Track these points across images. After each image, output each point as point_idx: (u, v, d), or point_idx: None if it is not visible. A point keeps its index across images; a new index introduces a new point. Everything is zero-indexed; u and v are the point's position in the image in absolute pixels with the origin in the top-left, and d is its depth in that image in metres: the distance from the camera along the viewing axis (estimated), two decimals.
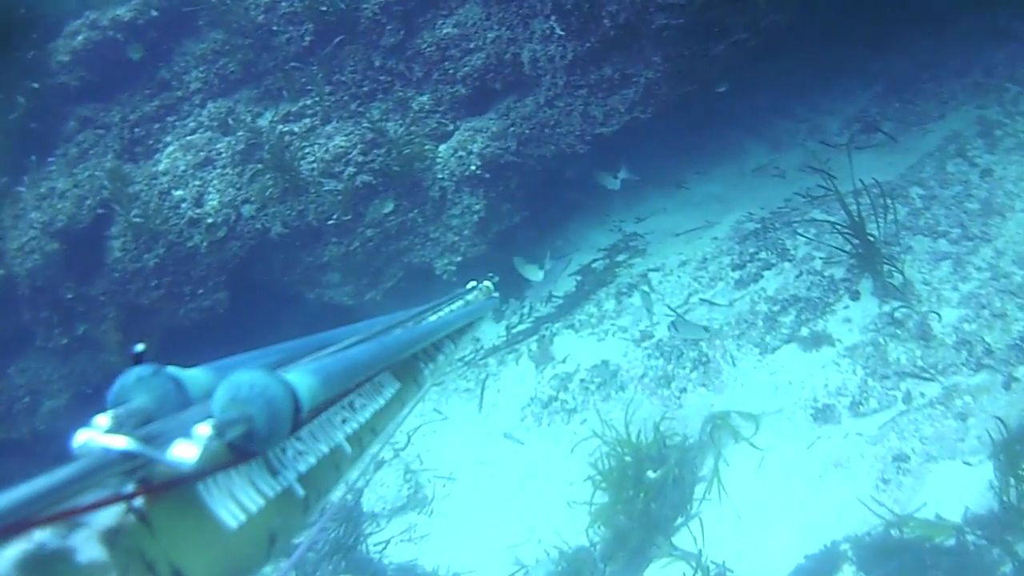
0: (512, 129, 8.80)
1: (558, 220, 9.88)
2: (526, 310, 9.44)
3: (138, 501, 0.84)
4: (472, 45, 8.83)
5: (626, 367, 7.92)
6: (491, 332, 9.20)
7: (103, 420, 0.90)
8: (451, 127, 9.24)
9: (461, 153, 8.95)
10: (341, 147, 8.87)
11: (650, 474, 6.55)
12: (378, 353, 1.49)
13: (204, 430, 0.89)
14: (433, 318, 2.04)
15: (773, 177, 9.02)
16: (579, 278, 9.35)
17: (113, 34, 9.75)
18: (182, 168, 9.21)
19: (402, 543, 7.53)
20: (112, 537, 0.78)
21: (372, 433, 1.48)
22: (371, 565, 7.41)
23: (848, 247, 7.36)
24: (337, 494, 1.32)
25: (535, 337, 8.86)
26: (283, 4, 9.51)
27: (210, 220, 8.86)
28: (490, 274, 2.70)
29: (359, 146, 9.18)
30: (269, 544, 1.04)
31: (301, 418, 1.09)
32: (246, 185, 8.88)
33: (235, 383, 1.01)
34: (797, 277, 7.79)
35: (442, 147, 9.09)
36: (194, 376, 1.11)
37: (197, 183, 9.06)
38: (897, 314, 6.86)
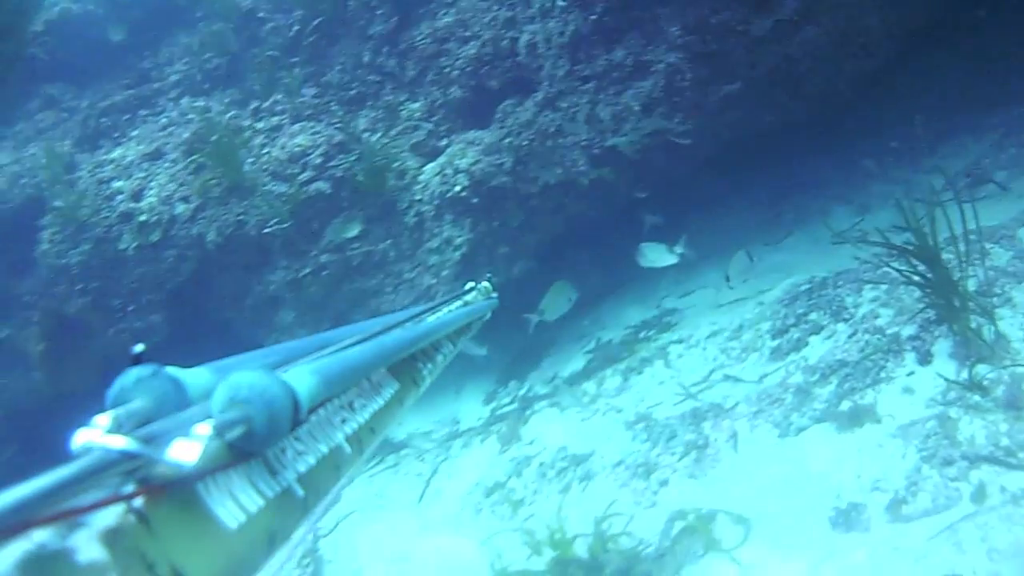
0: (508, 141, 7.91)
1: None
2: (524, 391, 8.54)
3: (138, 501, 0.84)
4: (468, 33, 8.09)
5: (601, 451, 6.94)
6: (473, 413, 8.59)
7: (103, 420, 0.90)
8: (444, 142, 8.51)
9: (448, 171, 8.16)
10: (300, 146, 7.97)
11: None
12: (377, 353, 1.52)
13: (204, 430, 0.90)
14: (432, 319, 2.06)
15: (855, 242, 7.60)
16: (591, 355, 8.45)
17: (94, 8, 9.28)
18: (131, 158, 8.41)
19: None
20: (112, 537, 0.78)
21: (371, 433, 1.49)
22: None
23: (926, 299, 6.08)
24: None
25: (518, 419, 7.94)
26: None
27: (143, 217, 8.12)
28: (488, 274, 2.73)
29: (322, 147, 8.45)
30: (269, 544, 1.03)
31: (300, 418, 1.10)
32: (189, 181, 7.86)
33: (234, 383, 1.01)
34: (850, 338, 6.48)
35: (429, 166, 8.31)
36: (193, 376, 1.12)
37: (141, 175, 8.34)
38: (981, 377, 5.34)
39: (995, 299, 5.77)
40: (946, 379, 5.40)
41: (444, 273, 8.20)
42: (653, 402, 7.26)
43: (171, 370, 1.09)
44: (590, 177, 7.93)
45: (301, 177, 8.43)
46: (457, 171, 8.04)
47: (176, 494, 0.90)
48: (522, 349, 8.79)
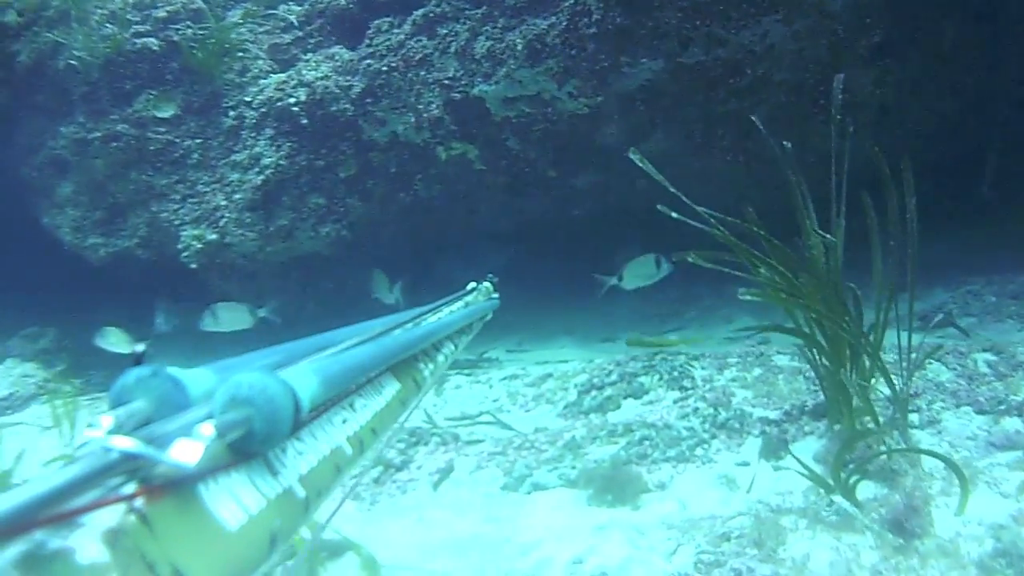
0: (368, 63, 6.30)
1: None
2: None
3: (139, 501, 0.79)
4: None
5: None
6: None
7: (106, 421, 0.83)
8: (308, 55, 6.82)
9: (292, 81, 6.58)
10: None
11: None
12: (378, 354, 1.46)
13: (205, 430, 0.84)
14: (433, 319, 1.97)
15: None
16: None
17: None
18: None
19: None
20: (113, 537, 0.73)
21: (373, 434, 1.41)
22: None
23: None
24: None
25: None
26: None
27: None
28: (490, 275, 2.55)
29: (176, 5, 6.91)
30: (270, 545, 0.96)
31: (301, 419, 1.05)
32: None
33: (235, 384, 0.95)
34: (675, 403, 4.67)
35: (276, 75, 6.77)
36: (194, 377, 1.04)
37: None
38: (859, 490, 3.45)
39: (916, 415, 4.07)
40: (807, 473, 3.57)
41: (237, 197, 6.32)
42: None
43: (172, 370, 1.01)
44: (449, 151, 5.69)
45: (136, 27, 6.90)
46: (300, 83, 6.09)
47: (177, 494, 0.84)
48: None
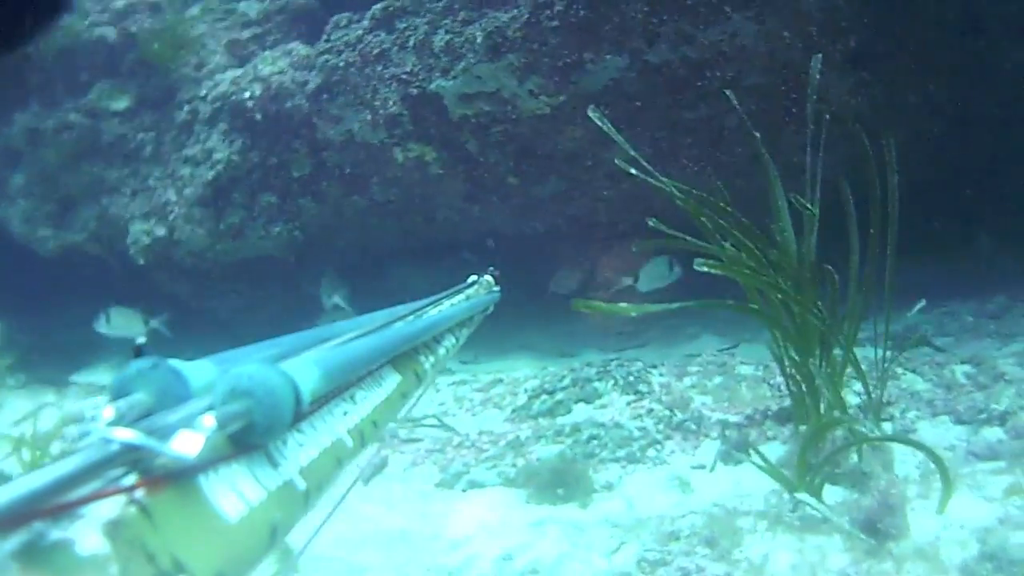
0: (325, 59, 5.90)
1: None
2: None
3: (139, 493, 0.77)
4: None
5: None
6: None
7: (108, 412, 0.82)
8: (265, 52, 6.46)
9: (248, 76, 6.24)
10: None
11: None
12: (379, 346, 1.44)
13: (206, 422, 0.83)
14: (434, 311, 1.92)
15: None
16: None
17: None
18: None
19: None
20: (113, 529, 0.71)
21: (374, 426, 1.39)
22: None
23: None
24: None
25: None
26: None
27: None
28: (491, 268, 2.49)
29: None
30: (270, 537, 0.95)
31: (302, 410, 1.02)
32: None
33: (236, 375, 0.94)
34: (628, 405, 4.30)
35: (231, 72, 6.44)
36: (195, 369, 1.02)
37: None
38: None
39: (889, 424, 3.72)
40: (767, 468, 3.17)
41: (187, 192, 5.90)
42: None
43: (172, 362, 0.99)
44: (406, 152, 5.35)
45: (92, 17, 6.65)
46: (255, 78, 5.82)
47: (178, 486, 0.83)
48: None
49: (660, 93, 5.45)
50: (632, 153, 3.57)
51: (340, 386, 1.29)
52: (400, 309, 1.71)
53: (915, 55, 5.62)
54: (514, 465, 3.72)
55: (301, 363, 1.07)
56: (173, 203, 6.20)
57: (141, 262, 6.35)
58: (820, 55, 3.66)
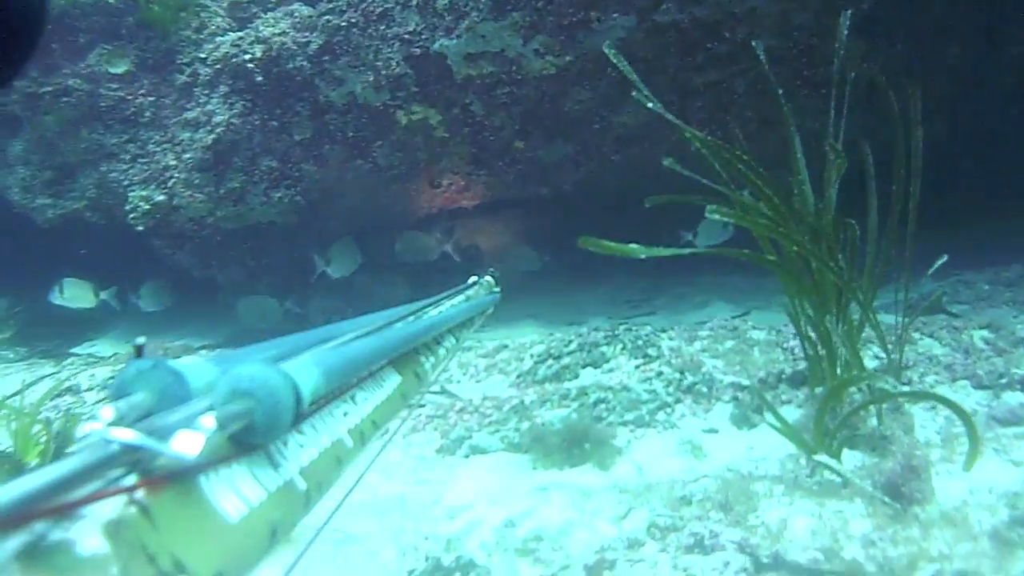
0: (327, 19, 5.66)
1: None
2: None
3: (140, 493, 0.77)
4: None
5: None
6: None
7: (107, 413, 0.81)
8: (264, 13, 6.19)
9: (249, 38, 5.95)
10: None
11: None
12: (379, 347, 1.42)
13: (206, 422, 0.83)
14: (434, 312, 1.91)
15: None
16: None
17: None
18: None
19: None
20: (114, 529, 0.71)
21: (374, 426, 1.37)
22: None
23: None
24: None
25: None
26: None
27: None
28: (491, 269, 2.48)
29: None
30: (270, 537, 0.95)
31: (303, 411, 1.02)
32: None
33: (236, 376, 0.94)
34: (637, 368, 4.10)
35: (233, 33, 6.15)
36: (195, 369, 1.00)
37: None
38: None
39: (906, 387, 3.54)
40: (783, 429, 2.93)
41: (187, 157, 5.76)
42: None
43: (173, 363, 0.98)
44: (410, 115, 5.16)
45: None
46: (257, 39, 5.59)
47: (178, 486, 0.82)
48: None
49: (669, 55, 5.25)
50: (645, 93, 3.38)
51: (340, 387, 1.29)
52: (400, 310, 1.69)
53: (929, 18, 5.40)
54: (518, 430, 3.53)
55: (301, 364, 1.07)
56: (172, 168, 5.96)
57: (140, 229, 6.09)
58: (848, 11, 3.47)
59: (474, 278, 2.39)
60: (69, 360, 6.76)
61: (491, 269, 2.48)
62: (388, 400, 1.47)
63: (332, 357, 1.17)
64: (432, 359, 1.83)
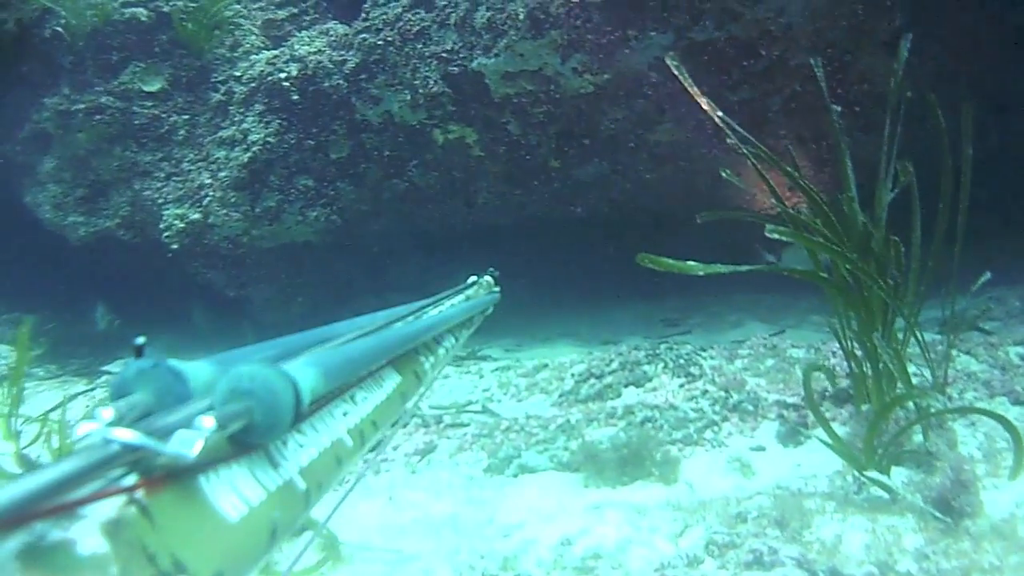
0: (363, 37, 5.90)
1: None
2: None
3: (139, 493, 0.79)
4: None
5: None
6: None
7: (107, 413, 0.83)
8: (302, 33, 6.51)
9: (284, 56, 6.24)
10: None
11: None
12: (379, 347, 1.46)
13: (206, 422, 0.84)
14: (434, 312, 1.96)
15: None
16: None
17: None
18: None
19: None
20: (113, 529, 0.73)
21: (373, 426, 1.41)
22: None
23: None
24: None
25: None
26: None
27: None
28: (491, 268, 2.53)
29: None
30: (270, 537, 0.97)
31: (302, 411, 1.04)
32: None
33: (236, 376, 0.96)
34: (681, 387, 4.32)
35: (267, 52, 6.45)
36: (195, 369, 1.03)
37: None
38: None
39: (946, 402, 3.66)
40: (834, 445, 3.14)
41: (222, 175, 5.94)
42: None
43: (172, 363, 1.00)
44: (447, 134, 5.33)
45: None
46: (292, 58, 5.73)
47: (178, 486, 0.84)
48: None
49: (705, 72, 5.40)
50: (705, 103, 3.56)
51: (340, 386, 1.31)
52: (400, 310, 1.73)
53: (960, 32, 5.54)
54: (567, 448, 3.65)
55: (301, 363, 1.09)
56: (208, 187, 6.17)
57: (175, 247, 6.29)
58: (910, 35, 3.64)
59: (473, 278, 2.45)
60: (103, 378, 6.97)
61: (491, 269, 2.53)
62: (388, 400, 1.52)
63: (332, 357, 1.22)
64: (432, 359, 1.88)
